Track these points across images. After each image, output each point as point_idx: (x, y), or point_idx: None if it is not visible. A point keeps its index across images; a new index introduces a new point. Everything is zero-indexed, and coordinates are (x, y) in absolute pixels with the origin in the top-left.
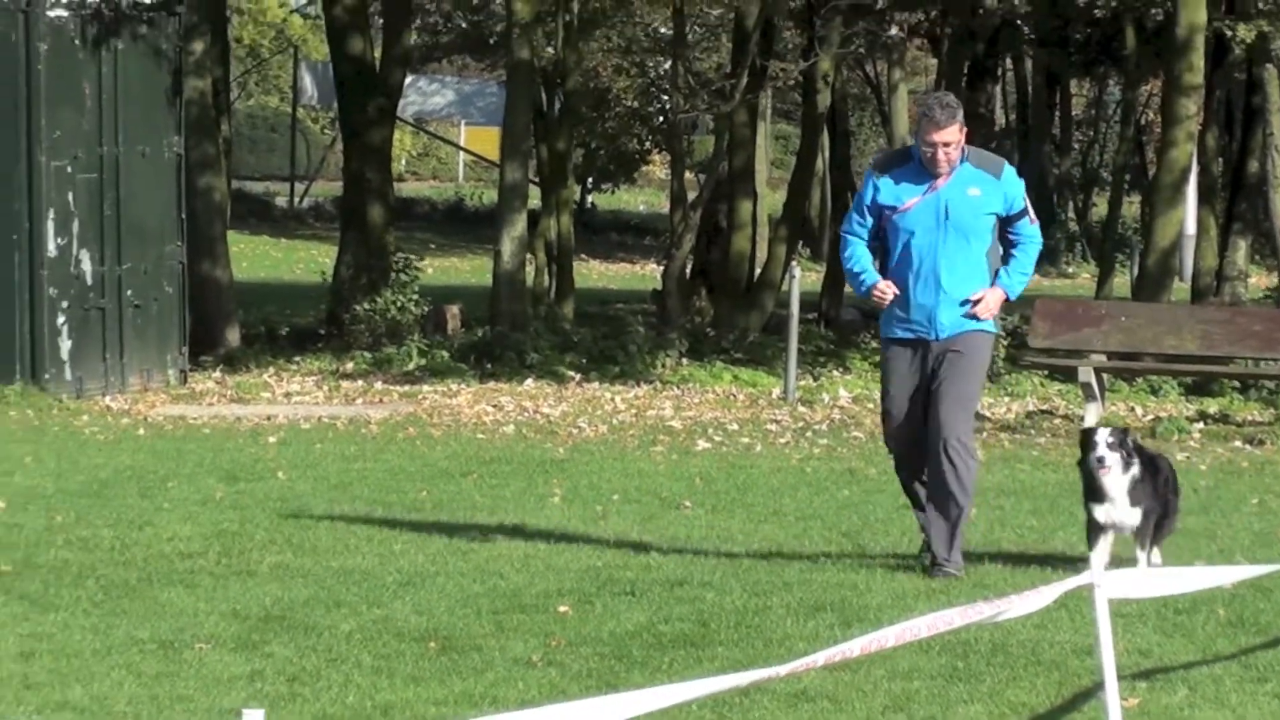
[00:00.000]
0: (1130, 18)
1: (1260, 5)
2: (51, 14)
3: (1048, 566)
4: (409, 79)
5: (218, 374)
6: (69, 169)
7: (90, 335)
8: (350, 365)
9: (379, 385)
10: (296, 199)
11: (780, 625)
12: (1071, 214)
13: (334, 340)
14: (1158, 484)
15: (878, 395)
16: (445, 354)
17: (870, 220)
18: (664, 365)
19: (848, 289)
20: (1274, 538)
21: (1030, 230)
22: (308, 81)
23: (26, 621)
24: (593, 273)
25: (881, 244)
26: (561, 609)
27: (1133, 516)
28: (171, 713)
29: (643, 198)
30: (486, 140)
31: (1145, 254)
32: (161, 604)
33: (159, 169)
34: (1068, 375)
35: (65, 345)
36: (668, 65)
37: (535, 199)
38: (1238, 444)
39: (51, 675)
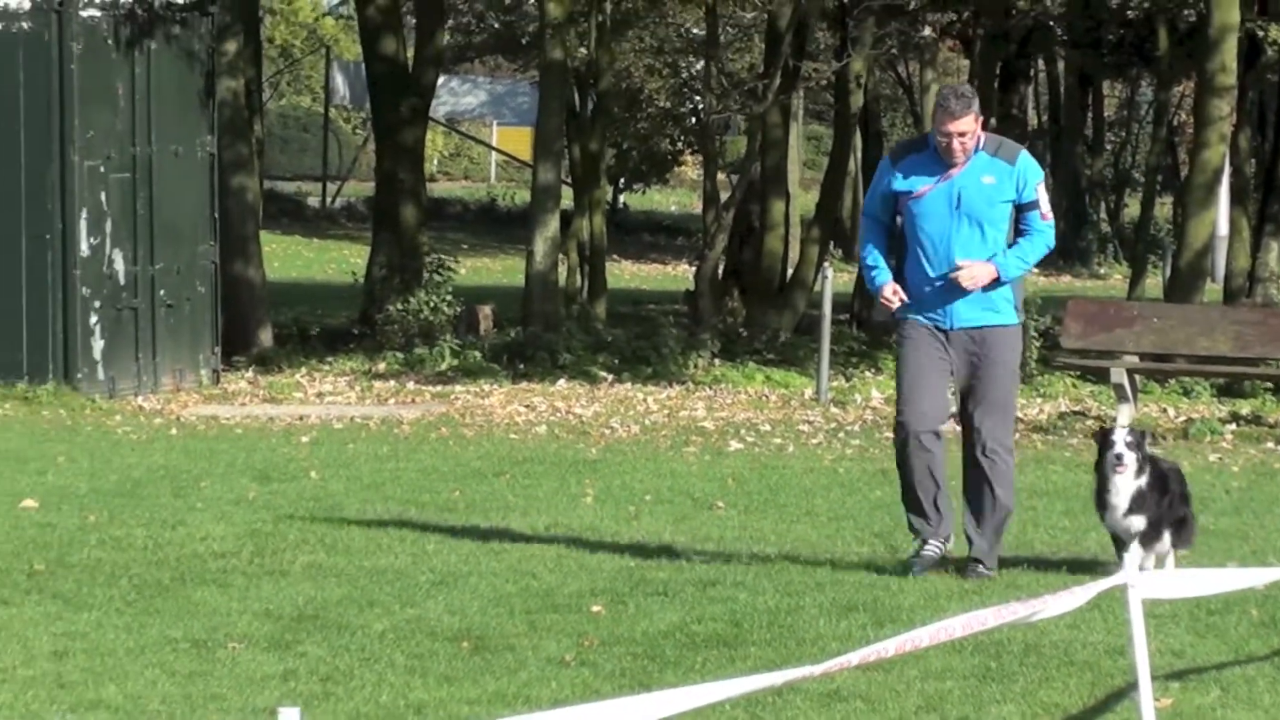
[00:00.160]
0: (1163, 19)
1: None
2: (85, 14)
3: (1080, 567)
4: (441, 79)
5: (250, 374)
6: (102, 169)
7: (123, 335)
8: (383, 365)
9: (411, 385)
10: (329, 199)
11: (813, 625)
12: (1104, 215)
13: (366, 340)
14: (1165, 496)
15: None
16: (478, 354)
17: (886, 206)
18: (696, 366)
19: None
20: None
21: (1041, 225)
22: (340, 81)
23: (60, 620)
24: (625, 273)
25: (900, 231)
26: (594, 609)
27: (1136, 523)
28: (205, 712)
29: (675, 198)
30: (518, 140)
31: (1177, 255)
32: (195, 603)
33: (192, 169)
34: (1100, 376)
35: (98, 345)
36: (700, 66)
37: (568, 199)
38: (1270, 445)
39: (85, 674)
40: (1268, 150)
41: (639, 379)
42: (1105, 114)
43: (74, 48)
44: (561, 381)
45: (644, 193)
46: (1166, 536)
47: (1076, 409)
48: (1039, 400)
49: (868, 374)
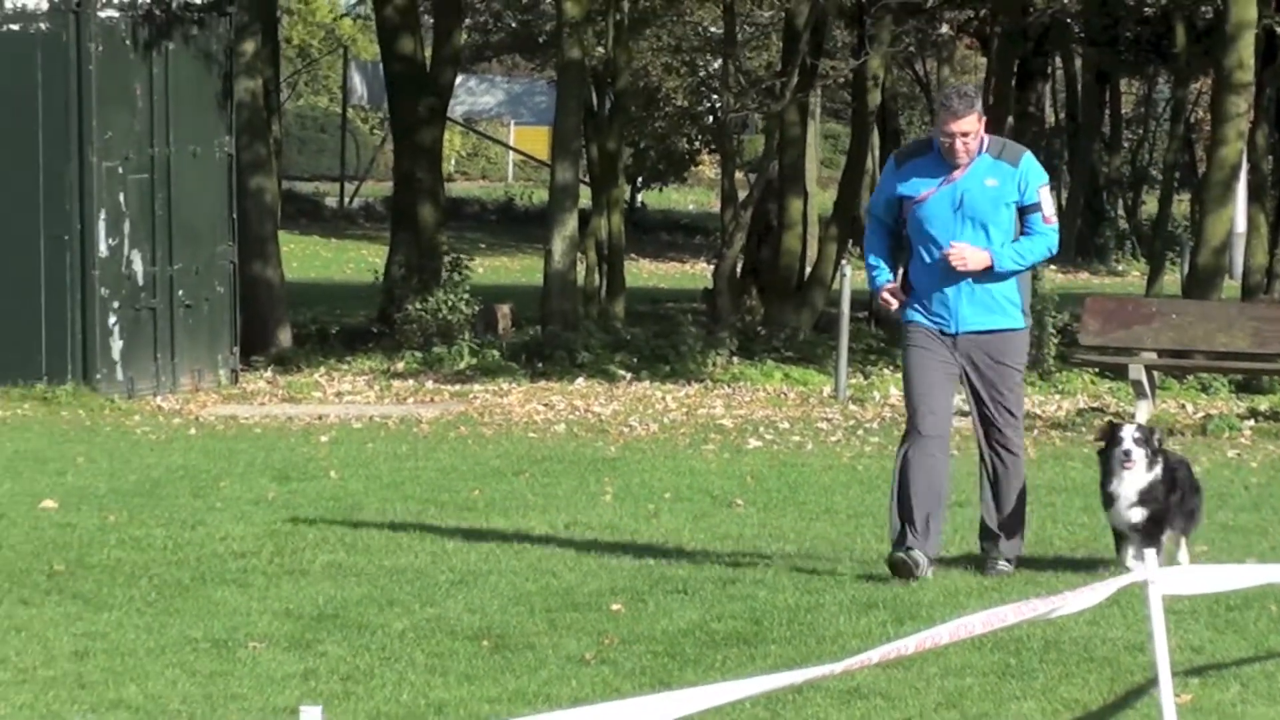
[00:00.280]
0: (1180, 15)
1: None
2: (103, 15)
3: (1099, 563)
4: (459, 79)
5: (269, 374)
6: (120, 169)
7: (141, 335)
8: (401, 365)
9: (430, 385)
10: (347, 199)
11: (833, 623)
12: (1121, 212)
13: (385, 340)
14: (1172, 491)
15: None
16: (496, 353)
17: (890, 210)
18: (715, 364)
19: None
20: None
21: (1043, 228)
22: (357, 81)
23: (80, 621)
24: (643, 272)
25: (905, 235)
26: (614, 607)
27: (1136, 515)
28: (225, 711)
29: (692, 197)
30: (536, 140)
31: (1195, 252)
32: (215, 603)
33: (210, 169)
34: (1118, 373)
35: (116, 345)
36: (718, 64)
37: (585, 198)
38: None
39: (105, 674)
40: None
41: (657, 377)
42: (1123, 111)
43: (92, 48)
44: (580, 380)
45: (662, 191)
46: (1171, 529)
47: (1095, 405)
48: (1057, 397)
49: (886, 371)
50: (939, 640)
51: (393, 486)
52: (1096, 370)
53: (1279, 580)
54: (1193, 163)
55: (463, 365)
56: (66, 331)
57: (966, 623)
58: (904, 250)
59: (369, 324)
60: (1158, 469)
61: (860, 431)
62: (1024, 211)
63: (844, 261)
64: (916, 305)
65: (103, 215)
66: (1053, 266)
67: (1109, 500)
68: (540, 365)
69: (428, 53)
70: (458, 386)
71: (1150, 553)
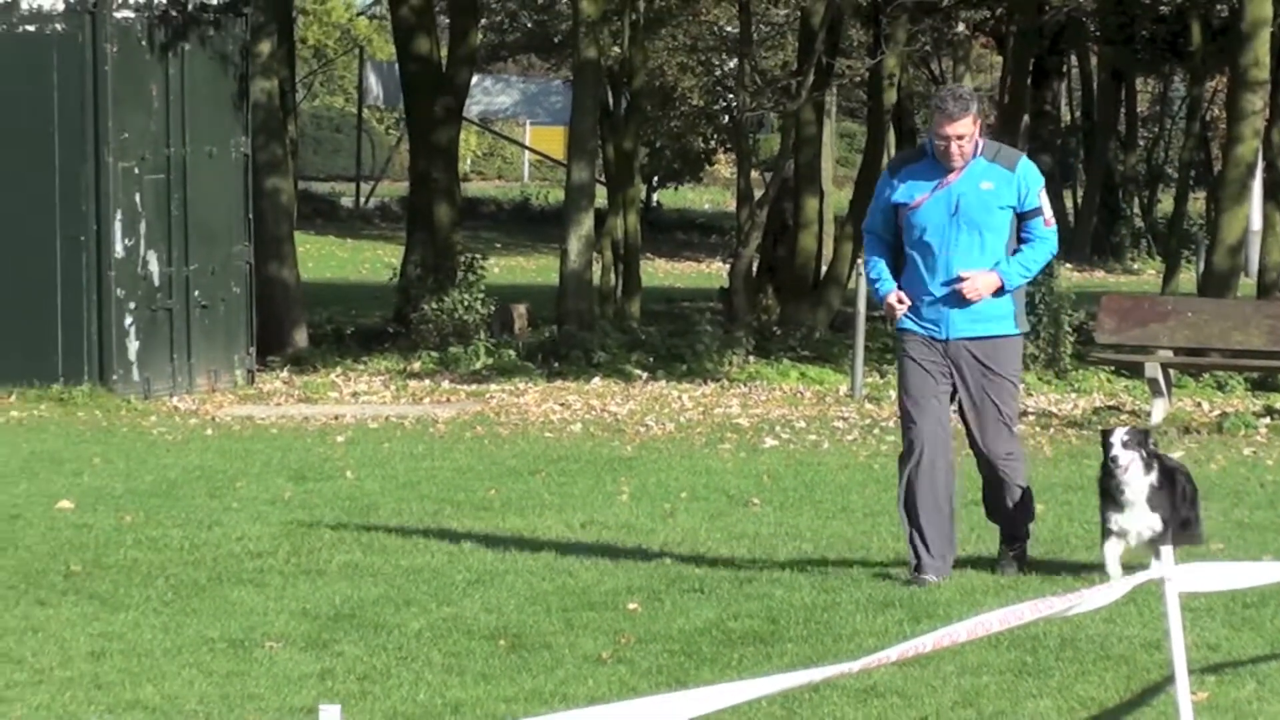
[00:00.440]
0: (1195, 14)
1: None
2: (118, 16)
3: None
4: (474, 79)
5: (285, 374)
6: (136, 170)
7: (158, 336)
8: (417, 365)
9: (446, 384)
10: (362, 199)
11: (849, 621)
12: (1137, 210)
13: (401, 340)
14: (1175, 494)
15: None
16: (512, 353)
17: (888, 220)
18: (731, 363)
19: None
20: None
21: (1044, 231)
22: (373, 81)
23: (97, 621)
24: (659, 271)
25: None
26: (631, 606)
27: (1152, 523)
28: (243, 711)
29: (708, 196)
30: (551, 140)
31: (1211, 250)
32: (231, 603)
33: (226, 170)
34: (1134, 371)
35: (133, 346)
36: (734, 63)
37: (602, 198)
38: None
39: (122, 674)
40: None
41: (674, 377)
42: (1138, 109)
43: (108, 49)
44: (596, 380)
45: (677, 191)
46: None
47: (1111, 404)
48: (1073, 395)
49: None
50: (957, 638)
51: (409, 486)
52: (1113, 368)
53: None
54: (1208, 161)
55: (479, 365)
56: (83, 332)
57: (984, 620)
58: (899, 258)
59: (385, 324)
60: (1155, 474)
61: (876, 430)
62: (1025, 216)
63: (860, 261)
64: (909, 312)
65: (119, 216)
66: (1068, 265)
67: (1111, 510)
68: (556, 365)
69: (443, 53)
70: (474, 386)
71: (1167, 550)
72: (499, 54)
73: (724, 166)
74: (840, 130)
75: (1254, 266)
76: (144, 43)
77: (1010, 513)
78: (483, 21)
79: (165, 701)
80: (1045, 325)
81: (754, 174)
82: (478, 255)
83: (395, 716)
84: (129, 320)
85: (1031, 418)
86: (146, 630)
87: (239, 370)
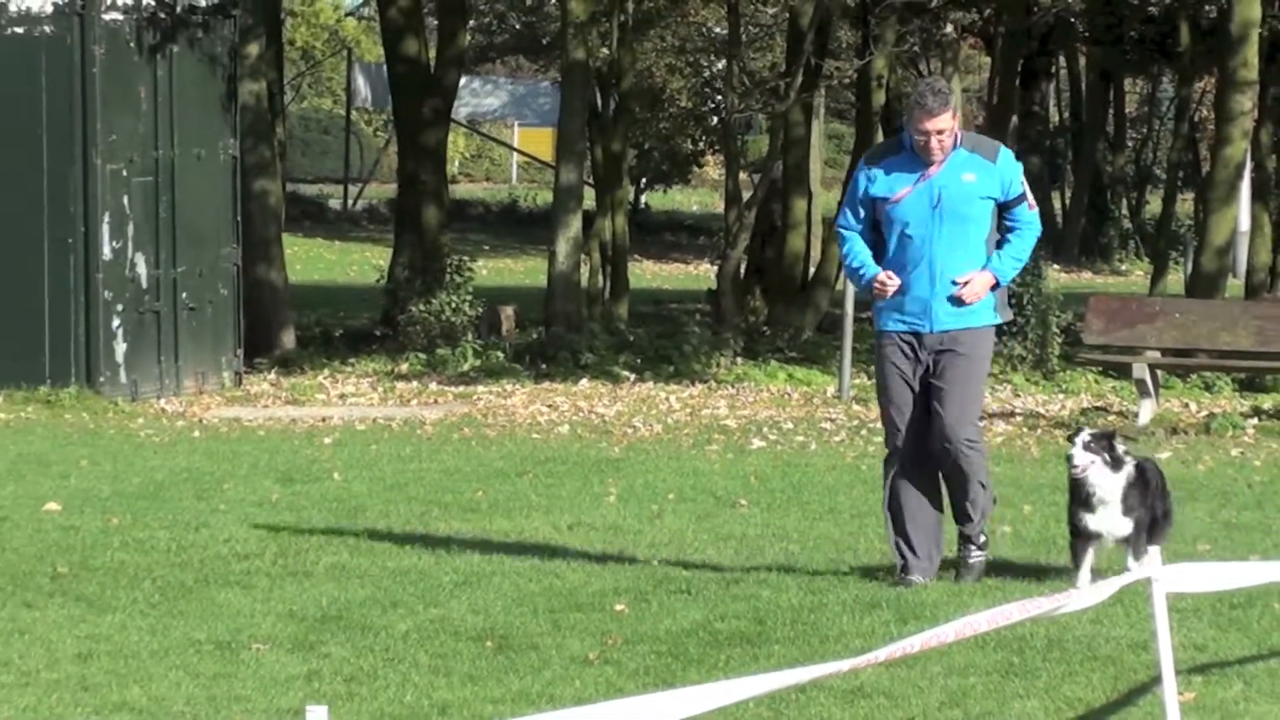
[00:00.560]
0: (1184, 15)
1: None
2: (107, 18)
3: (1102, 562)
4: (463, 80)
5: (273, 376)
6: (124, 172)
7: (145, 338)
8: (405, 366)
9: (434, 386)
10: (350, 201)
11: (836, 622)
12: (1125, 211)
13: (389, 342)
14: (1148, 492)
15: None
16: (500, 355)
17: (864, 213)
18: (719, 364)
19: None
20: None
21: (1028, 216)
22: (361, 83)
23: (84, 623)
24: (647, 273)
25: (879, 236)
26: (618, 607)
27: (1123, 526)
28: (229, 713)
29: (696, 198)
30: (540, 141)
31: (1199, 251)
32: (218, 605)
33: (214, 172)
34: (1122, 372)
35: (120, 348)
36: (722, 65)
37: (589, 200)
38: None
39: (109, 676)
40: None
41: (661, 378)
42: (1127, 110)
43: (96, 51)
44: (584, 381)
45: (666, 192)
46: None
47: (1099, 405)
48: (1061, 396)
49: None
50: (944, 639)
51: (396, 488)
52: (1100, 369)
53: None
54: (1197, 162)
55: (466, 367)
56: (70, 334)
57: (971, 621)
58: (877, 251)
59: (373, 326)
60: (1125, 474)
61: (864, 431)
62: (1009, 205)
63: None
64: (891, 309)
65: (107, 218)
66: (1056, 266)
67: (1083, 512)
68: (544, 366)
69: (432, 54)
70: (461, 388)
71: (1153, 550)
72: (487, 55)
73: (712, 168)
74: (828, 132)
75: (1242, 267)
76: (132, 45)
77: (965, 507)
78: (471, 23)
79: (152, 703)
80: (1033, 326)
81: (742, 175)
82: (465, 257)
83: (382, 718)
84: (116, 322)
85: (1019, 418)
86: (133, 632)
87: (226, 372)
